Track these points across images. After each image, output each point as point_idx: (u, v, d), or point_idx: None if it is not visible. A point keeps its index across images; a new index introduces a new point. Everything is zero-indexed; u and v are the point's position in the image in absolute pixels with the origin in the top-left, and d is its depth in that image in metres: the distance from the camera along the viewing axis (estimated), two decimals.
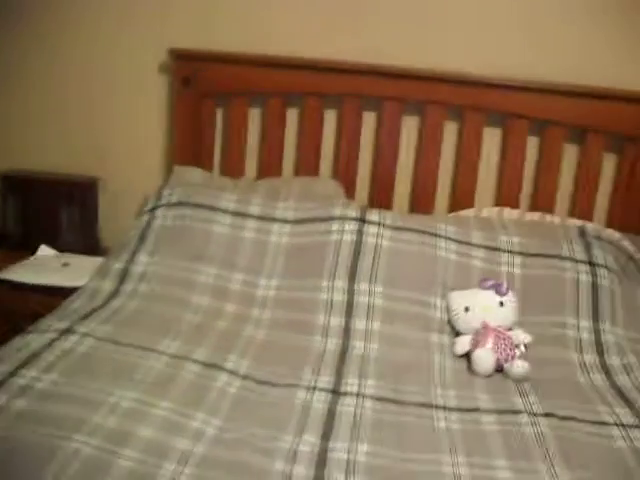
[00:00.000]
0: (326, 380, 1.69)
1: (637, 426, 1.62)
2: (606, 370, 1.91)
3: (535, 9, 2.48)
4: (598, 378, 1.87)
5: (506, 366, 1.82)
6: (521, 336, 1.91)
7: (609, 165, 2.57)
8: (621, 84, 2.46)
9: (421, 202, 2.56)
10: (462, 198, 2.55)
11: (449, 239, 2.16)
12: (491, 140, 2.56)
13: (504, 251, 2.15)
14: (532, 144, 2.55)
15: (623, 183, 2.53)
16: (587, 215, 2.54)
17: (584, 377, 1.87)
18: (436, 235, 2.16)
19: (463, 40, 2.52)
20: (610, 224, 2.55)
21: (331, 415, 1.54)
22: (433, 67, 2.46)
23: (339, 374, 1.74)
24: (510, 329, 1.95)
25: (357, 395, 1.64)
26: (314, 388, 1.65)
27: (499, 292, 1.95)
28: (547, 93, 2.46)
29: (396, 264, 2.08)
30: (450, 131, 2.56)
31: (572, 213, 2.56)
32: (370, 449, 1.42)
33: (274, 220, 2.20)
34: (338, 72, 2.47)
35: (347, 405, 1.59)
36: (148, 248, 2.16)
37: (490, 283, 1.97)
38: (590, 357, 1.95)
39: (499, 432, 1.54)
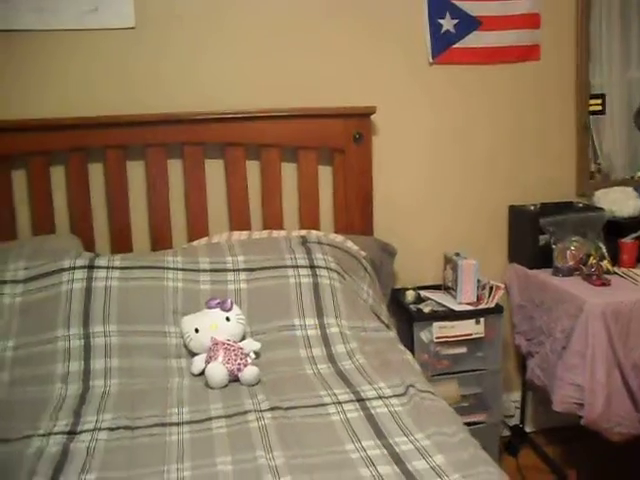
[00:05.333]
0: (63, 424, 1.76)
1: (350, 400, 1.86)
2: (332, 359, 2.13)
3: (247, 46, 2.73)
4: (324, 367, 2.09)
5: (239, 374, 1.98)
6: (250, 345, 2.09)
7: (327, 176, 2.84)
8: (322, 103, 2.76)
9: (159, 239, 2.68)
10: (196, 229, 2.70)
11: (177, 269, 2.30)
12: (219, 170, 2.74)
13: (230, 270, 2.33)
14: (254, 168, 2.76)
15: (340, 190, 2.81)
16: (314, 225, 2.78)
17: (312, 369, 2.08)
18: (164, 268, 2.30)
19: (177, 78, 2.68)
20: (336, 229, 2.82)
21: (64, 455, 1.61)
22: (150, 111, 2.61)
23: (77, 415, 1.81)
24: (243, 339, 2.12)
25: (93, 430, 1.72)
26: (49, 434, 1.70)
27: (224, 309, 2.12)
28: (259, 120, 2.69)
29: (127, 301, 2.19)
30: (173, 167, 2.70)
31: (301, 225, 2.80)
32: (98, 475, 1.52)
33: (4, 282, 2.22)
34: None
35: (81, 441, 1.67)
36: None
37: (215, 302, 2.13)
38: (318, 350, 2.17)
39: (227, 434, 1.70)
